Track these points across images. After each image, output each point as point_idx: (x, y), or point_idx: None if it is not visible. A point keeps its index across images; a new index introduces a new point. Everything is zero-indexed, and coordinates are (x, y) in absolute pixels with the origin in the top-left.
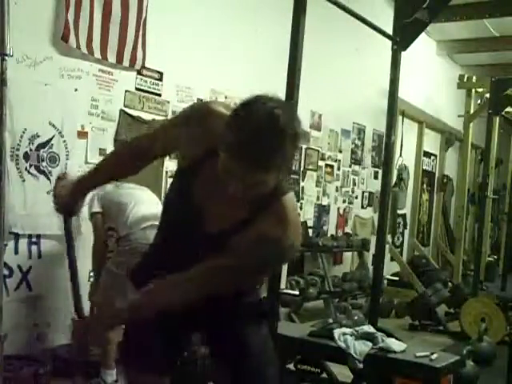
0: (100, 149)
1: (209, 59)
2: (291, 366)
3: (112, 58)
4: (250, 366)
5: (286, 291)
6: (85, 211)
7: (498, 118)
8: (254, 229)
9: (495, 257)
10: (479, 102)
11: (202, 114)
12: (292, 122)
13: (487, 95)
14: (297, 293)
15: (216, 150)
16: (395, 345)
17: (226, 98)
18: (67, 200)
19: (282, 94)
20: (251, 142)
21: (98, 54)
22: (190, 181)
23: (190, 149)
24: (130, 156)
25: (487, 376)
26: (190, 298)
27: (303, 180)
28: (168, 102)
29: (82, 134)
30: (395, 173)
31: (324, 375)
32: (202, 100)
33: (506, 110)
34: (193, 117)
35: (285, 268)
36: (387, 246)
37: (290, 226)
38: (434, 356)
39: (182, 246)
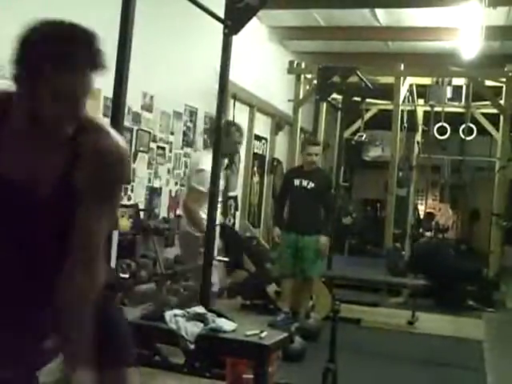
0: None
1: None
2: None
3: None
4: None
5: (116, 275)
6: None
7: (324, 104)
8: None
9: None
10: (308, 87)
11: None
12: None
13: (315, 81)
14: (127, 276)
15: None
16: (226, 325)
17: None
18: None
19: (111, 74)
20: (65, 42)
21: None
22: None
23: None
24: None
25: (313, 350)
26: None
27: (134, 162)
28: None
29: None
30: None
31: (157, 358)
32: None
33: (333, 96)
34: None
35: (115, 251)
36: (217, 227)
37: (112, 136)
38: (264, 334)
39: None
